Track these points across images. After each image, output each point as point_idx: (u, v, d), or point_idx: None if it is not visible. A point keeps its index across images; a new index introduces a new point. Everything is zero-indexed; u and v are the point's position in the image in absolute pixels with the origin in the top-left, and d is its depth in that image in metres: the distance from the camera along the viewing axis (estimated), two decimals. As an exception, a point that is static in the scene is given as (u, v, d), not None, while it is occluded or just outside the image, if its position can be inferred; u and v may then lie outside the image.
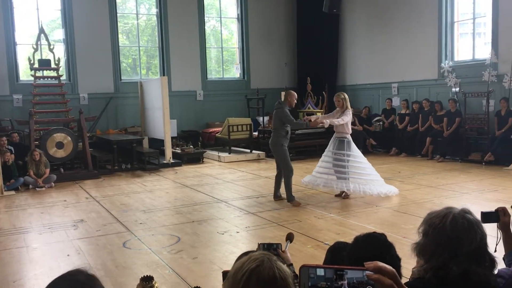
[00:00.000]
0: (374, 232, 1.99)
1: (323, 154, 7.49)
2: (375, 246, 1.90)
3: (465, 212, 1.78)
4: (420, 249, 1.78)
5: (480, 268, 1.71)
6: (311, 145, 11.96)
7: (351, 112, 7.19)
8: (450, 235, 1.71)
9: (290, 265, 2.10)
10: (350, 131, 7.21)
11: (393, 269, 0.99)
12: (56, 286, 1.37)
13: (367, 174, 7.21)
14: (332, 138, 7.35)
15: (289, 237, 2.44)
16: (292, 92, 7.25)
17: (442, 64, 11.31)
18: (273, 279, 1.32)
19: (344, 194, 7.22)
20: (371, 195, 7.03)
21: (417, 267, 1.89)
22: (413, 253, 1.83)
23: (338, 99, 7.15)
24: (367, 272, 0.99)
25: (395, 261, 1.87)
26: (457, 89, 10.86)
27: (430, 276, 1.72)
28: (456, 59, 11.42)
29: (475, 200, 6.85)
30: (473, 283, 1.69)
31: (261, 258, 1.37)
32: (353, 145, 7.27)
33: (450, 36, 11.45)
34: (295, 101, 7.23)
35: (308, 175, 7.56)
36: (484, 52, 10.75)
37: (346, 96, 7.21)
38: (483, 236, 1.76)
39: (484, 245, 1.76)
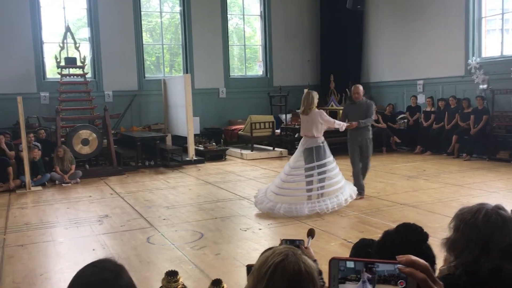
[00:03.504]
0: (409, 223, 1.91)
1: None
2: (412, 235, 1.82)
3: (498, 208, 1.72)
4: (451, 245, 1.74)
5: (512, 265, 1.66)
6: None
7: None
8: (482, 231, 1.67)
9: (314, 260, 2.07)
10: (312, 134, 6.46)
11: (427, 263, 0.96)
12: (83, 273, 1.38)
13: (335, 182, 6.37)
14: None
15: (311, 233, 2.41)
16: (356, 85, 7.06)
17: (469, 61, 11.06)
18: (298, 272, 1.30)
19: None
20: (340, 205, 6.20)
21: (445, 265, 1.84)
22: (442, 249, 1.78)
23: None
24: (399, 265, 0.96)
25: (430, 252, 1.80)
26: (485, 86, 10.61)
27: (460, 272, 1.68)
28: (483, 55, 11.16)
29: (503, 199, 6.67)
30: (505, 280, 1.64)
31: (285, 252, 1.35)
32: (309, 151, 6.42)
33: (478, 32, 11.19)
34: (354, 94, 6.91)
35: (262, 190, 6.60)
36: (513, 48, 10.50)
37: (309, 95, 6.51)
38: (516, 233, 1.70)
39: (518, 242, 1.70)
